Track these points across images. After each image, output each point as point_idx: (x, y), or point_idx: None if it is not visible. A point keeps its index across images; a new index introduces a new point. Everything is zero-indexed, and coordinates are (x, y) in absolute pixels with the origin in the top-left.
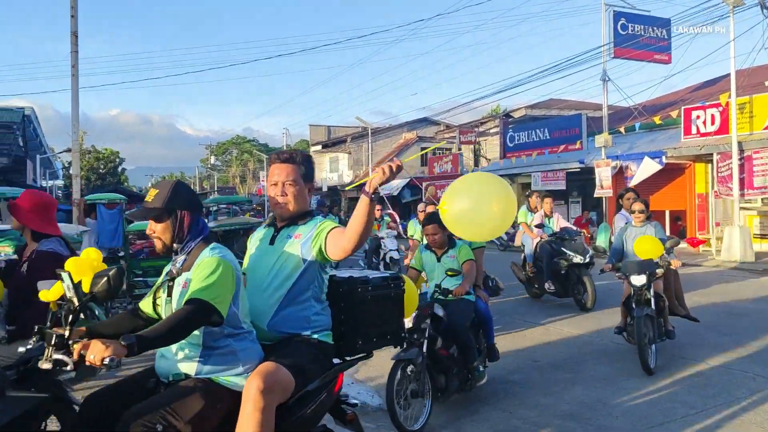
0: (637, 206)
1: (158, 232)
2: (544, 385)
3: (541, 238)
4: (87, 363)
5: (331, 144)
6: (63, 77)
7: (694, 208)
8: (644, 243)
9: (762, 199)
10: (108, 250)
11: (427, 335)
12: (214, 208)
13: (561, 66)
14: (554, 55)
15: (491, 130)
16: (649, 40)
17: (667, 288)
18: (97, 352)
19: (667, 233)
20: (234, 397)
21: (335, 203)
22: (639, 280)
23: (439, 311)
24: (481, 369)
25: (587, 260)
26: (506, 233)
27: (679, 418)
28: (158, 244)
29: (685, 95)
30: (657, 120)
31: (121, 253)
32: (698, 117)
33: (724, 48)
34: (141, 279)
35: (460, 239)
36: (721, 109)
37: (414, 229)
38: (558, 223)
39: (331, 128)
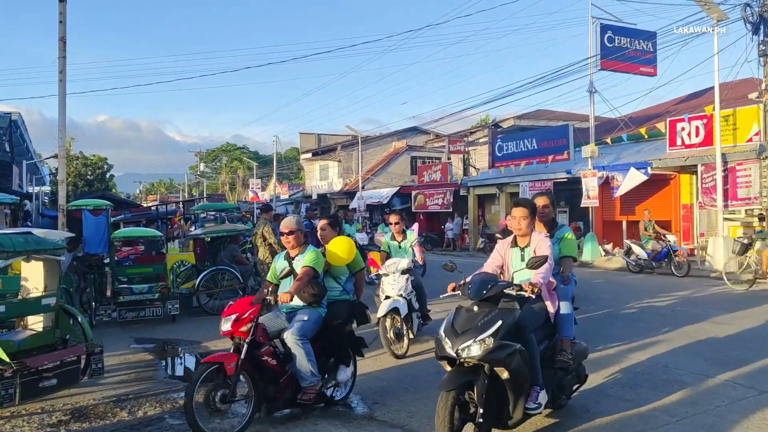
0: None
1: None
2: None
3: None
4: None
5: (322, 152)
6: (50, 82)
7: (679, 218)
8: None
9: (745, 210)
10: (93, 257)
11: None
12: (202, 215)
13: (549, 77)
14: (543, 66)
15: (480, 140)
16: (635, 52)
17: None
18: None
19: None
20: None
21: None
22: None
23: None
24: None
25: None
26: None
27: (660, 426)
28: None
29: (671, 107)
30: (643, 131)
31: (107, 260)
32: (683, 129)
33: (708, 61)
34: (126, 286)
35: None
36: (705, 121)
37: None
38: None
39: (321, 136)
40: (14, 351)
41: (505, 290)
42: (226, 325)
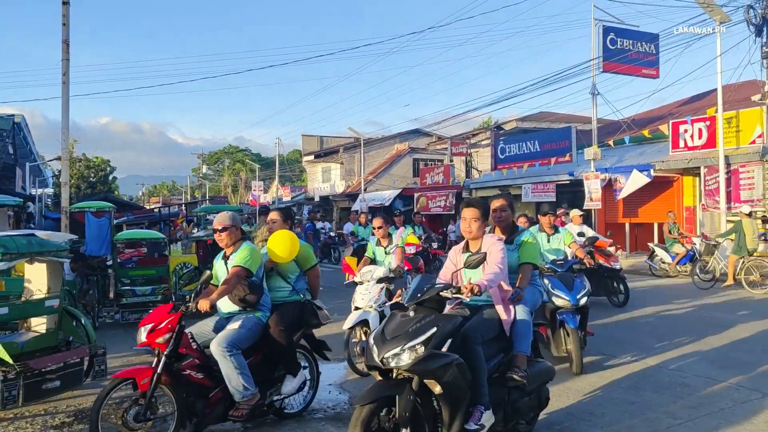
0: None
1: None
2: None
3: None
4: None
5: (324, 154)
6: (53, 84)
7: (683, 220)
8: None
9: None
10: (95, 259)
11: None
12: (205, 218)
13: (551, 79)
14: (545, 68)
15: (483, 142)
16: (637, 54)
17: None
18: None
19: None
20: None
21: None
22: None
23: None
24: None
25: None
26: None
27: (664, 429)
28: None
29: (674, 109)
30: (646, 133)
31: (110, 262)
32: (686, 131)
33: (711, 63)
34: (129, 288)
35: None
36: (708, 123)
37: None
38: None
39: (323, 138)
40: (18, 353)
41: (441, 293)
42: (142, 336)
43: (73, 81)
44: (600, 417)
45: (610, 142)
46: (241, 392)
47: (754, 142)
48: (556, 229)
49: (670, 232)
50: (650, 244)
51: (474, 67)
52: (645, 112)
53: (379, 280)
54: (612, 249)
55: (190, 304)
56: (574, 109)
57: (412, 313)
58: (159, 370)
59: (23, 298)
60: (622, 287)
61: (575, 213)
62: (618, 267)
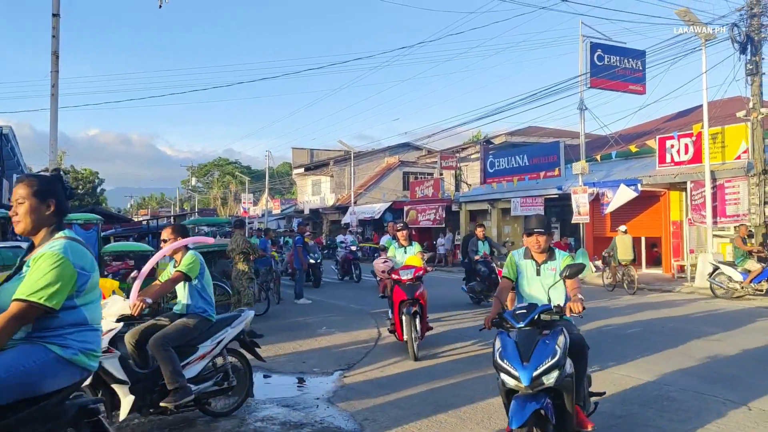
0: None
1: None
2: None
3: None
4: None
5: (314, 167)
6: (41, 96)
7: (669, 235)
8: None
9: (734, 227)
10: None
11: None
12: (196, 231)
13: (540, 94)
14: (534, 83)
15: (472, 156)
16: (624, 71)
17: None
18: None
19: (643, 259)
20: None
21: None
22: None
23: None
24: None
25: None
26: None
27: None
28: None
29: (660, 125)
30: (633, 148)
31: None
32: (672, 146)
33: (697, 79)
34: None
35: None
36: (694, 138)
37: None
38: None
39: (313, 151)
40: None
41: None
42: None
43: (62, 92)
44: None
45: (598, 157)
46: None
47: (739, 157)
48: (551, 254)
49: (744, 244)
50: (713, 261)
51: (464, 81)
52: (632, 127)
53: (119, 320)
54: None
55: None
56: (562, 124)
57: None
58: None
59: None
60: None
61: None
62: None
